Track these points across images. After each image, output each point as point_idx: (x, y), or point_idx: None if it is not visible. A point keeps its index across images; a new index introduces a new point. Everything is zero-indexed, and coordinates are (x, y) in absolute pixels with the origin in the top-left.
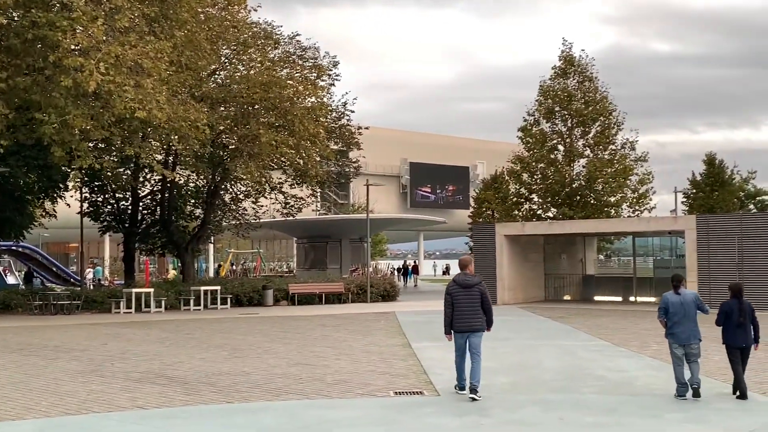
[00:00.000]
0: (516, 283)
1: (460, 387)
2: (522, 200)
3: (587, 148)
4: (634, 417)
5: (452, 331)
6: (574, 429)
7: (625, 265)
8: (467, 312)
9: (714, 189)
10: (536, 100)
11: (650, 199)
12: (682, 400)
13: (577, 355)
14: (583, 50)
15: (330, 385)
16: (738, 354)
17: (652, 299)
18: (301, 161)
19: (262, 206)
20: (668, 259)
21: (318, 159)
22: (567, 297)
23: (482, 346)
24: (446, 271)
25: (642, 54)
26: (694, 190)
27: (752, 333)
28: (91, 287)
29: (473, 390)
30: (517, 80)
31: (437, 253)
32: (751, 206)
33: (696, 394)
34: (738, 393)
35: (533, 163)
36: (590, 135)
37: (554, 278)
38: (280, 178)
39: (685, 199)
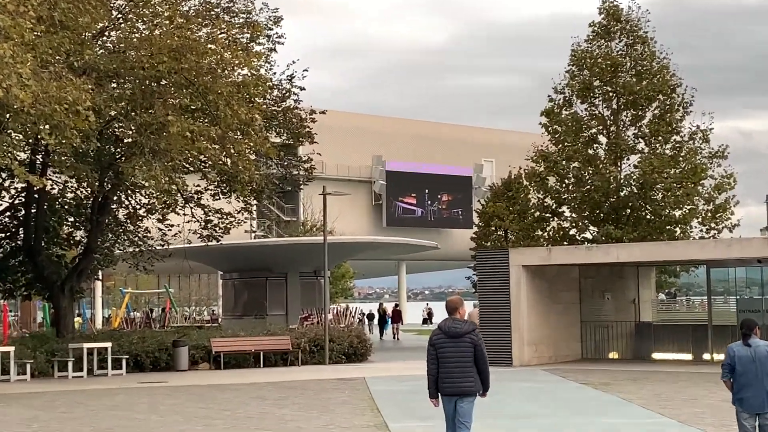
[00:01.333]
0: (540, 335)
1: None
2: (548, 215)
3: (640, 139)
4: None
5: (438, 395)
6: None
7: (697, 307)
8: (455, 370)
9: None
10: (567, 72)
11: (732, 213)
12: None
13: None
14: (632, 1)
15: None
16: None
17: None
18: (229, 161)
19: (172, 226)
20: (758, 299)
21: (253, 157)
22: (613, 354)
23: (475, 416)
24: (428, 319)
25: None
26: None
27: None
28: None
29: None
30: (537, 43)
31: (427, 293)
32: None
33: None
34: None
35: (564, 162)
36: (644, 121)
37: (595, 327)
38: (199, 186)
39: None
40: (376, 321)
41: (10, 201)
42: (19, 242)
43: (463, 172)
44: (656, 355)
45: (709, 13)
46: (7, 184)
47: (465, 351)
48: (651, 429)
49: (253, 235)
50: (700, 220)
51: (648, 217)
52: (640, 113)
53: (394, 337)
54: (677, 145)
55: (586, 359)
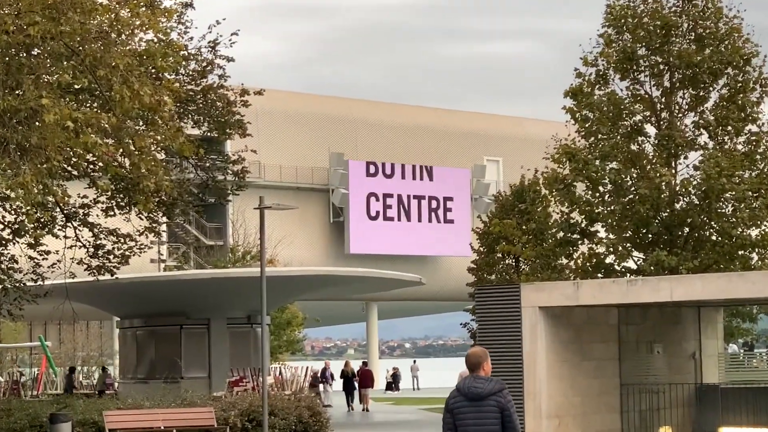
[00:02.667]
0: (564, 404)
1: None
2: (575, 237)
3: (703, 131)
4: None
5: None
6: None
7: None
8: None
9: None
10: (600, 36)
11: None
12: None
13: None
14: None
15: None
16: None
17: None
18: (128, 161)
19: (48, 253)
20: None
21: (161, 157)
22: (666, 430)
23: None
24: (393, 383)
25: None
26: None
27: None
28: None
29: None
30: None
31: (408, 346)
32: None
33: None
34: None
35: (597, 162)
36: (708, 105)
37: (640, 393)
38: (86, 197)
39: None
40: (336, 386)
41: None
42: None
43: (459, 177)
44: (725, 430)
45: None
46: None
47: (489, 416)
48: None
49: (162, 265)
50: None
51: (714, 238)
52: (702, 94)
53: (364, 408)
54: (753, 138)
55: None
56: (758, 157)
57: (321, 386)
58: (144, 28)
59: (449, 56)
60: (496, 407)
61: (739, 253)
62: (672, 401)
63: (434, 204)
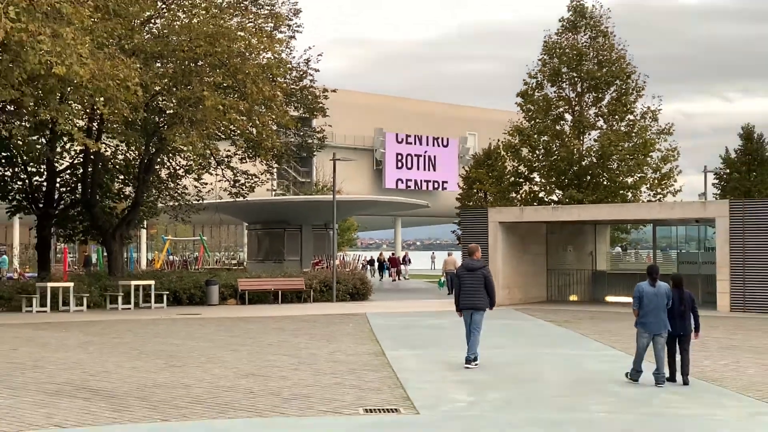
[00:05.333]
0: (513, 281)
1: (469, 361)
2: (521, 180)
3: (600, 117)
4: None
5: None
6: None
7: (644, 259)
8: (471, 292)
9: (752, 169)
10: (539, 60)
11: (675, 181)
12: (632, 380)
13: (585, 367)
14: (597, 1)
15: (287, 401)
16: (674, 341)
17: None
18: (254, 130)
19: (206, 184)
20: (695, 253)
21: (275, 128)
22: (573, 297)
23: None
24: (377, 263)
25: (666, 6)
26: (728, 171)
27: (693, 321)
28: None
29: (468, 360)
30: (516, 37)
31: (418, 243)
32: None
33: (661, 380)
34: (682, 375)
35: (535, 136)
36: (604, 102)
37: (559, 275)
38: (229, 151)
39: (716, 182)
40: (376, 267)
41: (71, 161)
42: (77, 196)
43: (452, 143)
44: (609, 298)
45: (662, 11)
46: (68, 146)
47: (478, 280)
48: (603, 359)
49: (273, 193)
50: (648, 186)
51: (605, 183)
52: (600, 96)
53: (393, 280)
54: (631, 123)
55: (551, 301)
56: (633, 134)
57: (368, 267)
58: (265, 50)
59: (443, 72)
60: (482, 275)
61: (620, 192)
62: (577, 280)
63: (436, 159)
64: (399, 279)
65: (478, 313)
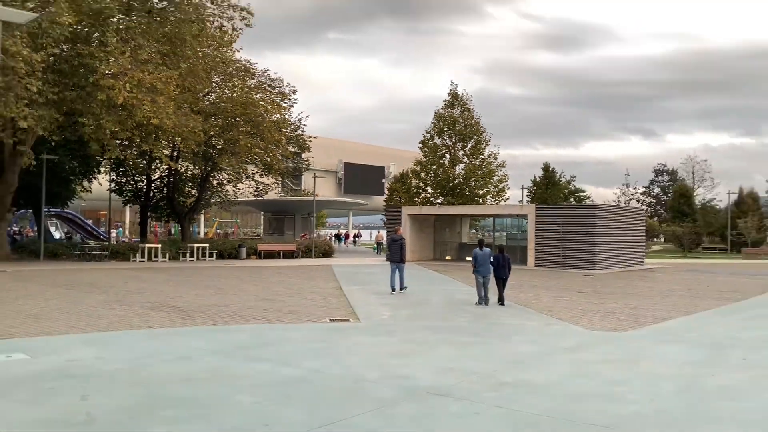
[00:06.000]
0: (415, 247)
1: (392, 290)
2: (420, 191)
3: (465, 156)
4: (493, 338)
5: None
6: (451, 345)
7: (489, 236)
8: (396, 253)
9: (548, 187)
10: (432, 123)
11: (506, 193)
12: (483, 306)
13: (454, 297)
14: (464, 90)
15: (285, 314)
16: (501, 282)
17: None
18: (268, 159)
19: (239, 189)
20: (515, 233)
21: (280, 157)
22: (448, 257)
23: (404, 281)
24: (338, 237)
25: (501, 94)
26: (535, 188)
27: (508, 270)
28: (115, 242)
29: (402, 288)
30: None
31: (361, 225)
32: (572, 200)
33: (487, 302)
34: (499, 302)
35: (429, 166)
36: (467, 148)
37: (440, 244)
38: (253, 170)
39: (528, 194)
40: (336, 239)
41: (161, 174)
42: (164, 194)
43: (381, 168)
44: (468, 258)
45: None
46: (159, 166)
47: (399, 246)
48: (464, 292)
49: (279, 195)
50: (491, 195)
51: (467, 193)
52: (465, 144)
53: (345, 246)
54: (482, 160)
55: (435, 259)
56: (483, 166)
57: (334, 239)
58: (276, 113)
59: (378, 127)
60: (400, 244)
61: (476, 199)
62: (451, 248)
63: (374, 178)
64: (348, 246)
65: (399, 265)
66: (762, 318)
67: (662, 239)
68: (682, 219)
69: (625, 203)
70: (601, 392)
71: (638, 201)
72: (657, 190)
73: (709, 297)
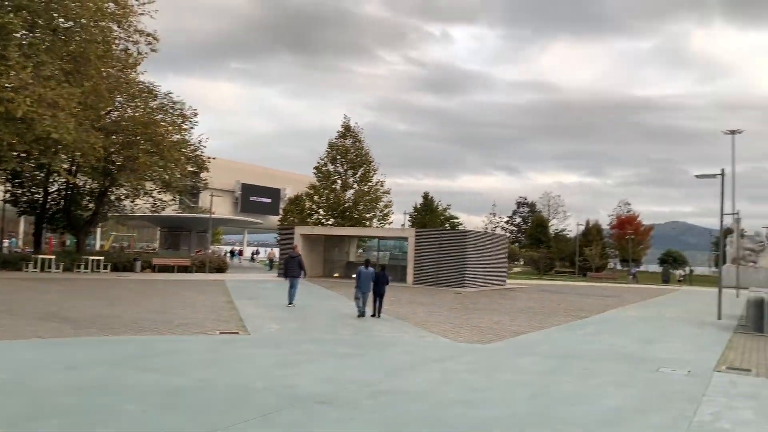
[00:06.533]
0: (307, 264)
1: (289, 303)
2: (313, 212)
3: (355, 183)
4: (372, 349)
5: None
6: (334, 357)
7: (373, 255)
8: (292, 268)
9: (427, 214)
10: (326, 151)
11: (390, 217)
12: (362, 318)
13: (339, 311)
14: (356, 122)
15: (176, 326)
16: (379, 297)
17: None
18: (167, 176)
19: (137, 205)
20: (398, 254)
21: (179, 176)
22: (336, 275)
23: (297, 295)
24: (232, 254)
25: (390, 129)
26: (416, 213)
27: (385, 286)
28: (8, 252)
29: (290, 304)
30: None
31: (255, 244)
32: (447, 225)
33: (364, 315)
34: (374, 314)
35: (322, 190)
36: (357, 175)
37: (329, 262)
38: (152, 187)
39: (410, 219)
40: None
41: (59, 187)
42: (61, 206)
43: (277, 190)
44: (353, 275)
45: (388, 131)
46: (57, 179)
47: (296, 262)
48: (348, 307)
49: (176, 211)
50: (377, 219)
51: (356, 216)
52: (355, 172)
53: (240, 262)
54: (370, 186)
55: (325, 276)
56: (371, 192)
57: (229, 255)
58: (177, 133)
59: (276, 151)
60: (298, 260)
61: (363, 222)
62: (339, 265)
63: (270, 198)
64: (242, 262)
65: (296, 280)
66: (601, 333)
67: (522, 262)
68: (538, 245)
69: (491, 230)
70: (465, 399)
71: (503, 228)
72: (518, 219)
73: (559, 314)
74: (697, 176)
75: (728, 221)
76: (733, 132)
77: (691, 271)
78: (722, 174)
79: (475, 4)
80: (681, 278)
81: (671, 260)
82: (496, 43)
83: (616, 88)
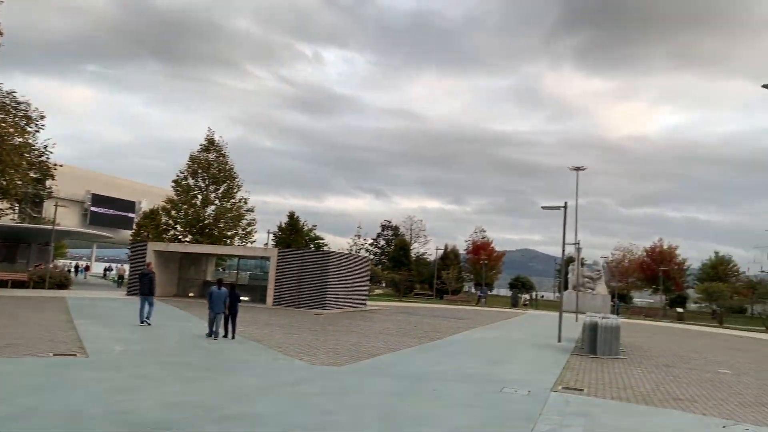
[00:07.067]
0: (158, 283)
1: (141, 321)
2: (169, 228)
3: (217, 199)
4: (222, 373)
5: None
6: (180, 380)
7: (234, 275)
8: (145, 286)
9: (291, 233)
10: (187, 164)
11: (253, 236)
12: (212, 339)
13: (191, 332)
14: (221, 136)
15: (2, 348)
16: (232, 317)
17: (247, 298)
18: (5, 182)
19: None
20: (259, 274)
21: (19, 183)
22: (191, 294)
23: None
24: (76, 270)
25: (258, 146)
26: (280, 233)
27: (237, 306)
28: None
29: (142, 322)
30: (176, 148)
31: (105, 259)
32: (312, 246)
33: (217, 336)
34: (214, 336)
35: (180, 205)
36: (220, 191)
37: (185, 281)
38: None
39: (274, 238)
40: (76, 270)
41: None
42: None
43: (132, 203)
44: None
45: (254, 148)
46: None
47: (149, 279)
48: (199, 327)
49: (15, 221)
50: (239, 237)
51: (216, 234)
52: (218, 187)
53: (85, 278)
54: (233, 203)
55: (178, 295)
56: (234, 209)
57: (73, 270)
58: (19, 136)
59: (133, 161)
60: (150, 277)
61: (224, 240)
62: (196, 285)
63: (123, 211)
64: (88, 278)
65: (150, 298)
66: (452, 354)
67: (384, 284)
68: (400, 268)
69: (356, 252)
70: (312, 422)
71: (367, 250)
72: (383, 242)
73: (415, 336)
74: (543, 207)
75: (570, 250)
76: (577, 168)
77: (536, 295)
78: (565, 206)
79: (347, 28)
80: (526, 302)
81: (520, 285)
82: (367, 69)
83: (476, 122)
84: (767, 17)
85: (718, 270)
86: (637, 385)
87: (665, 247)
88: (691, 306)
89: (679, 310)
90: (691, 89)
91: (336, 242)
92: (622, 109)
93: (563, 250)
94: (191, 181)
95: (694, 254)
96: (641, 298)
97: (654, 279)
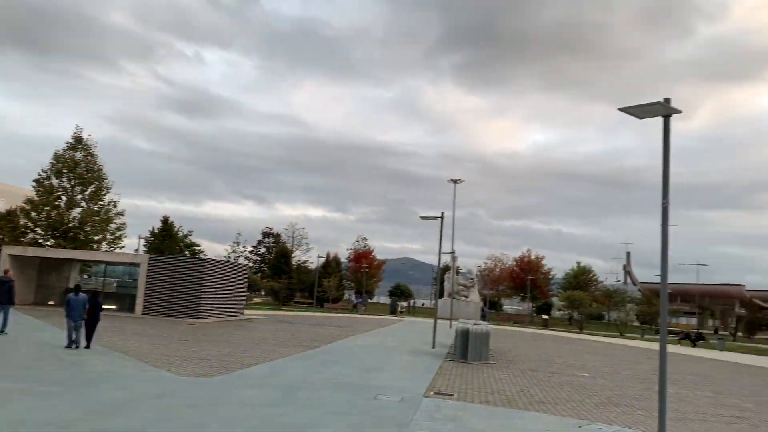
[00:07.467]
0: (19, 291)
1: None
2: (29, 231)
3: (84, 201)
4: (81, 386)
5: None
6: (32, 396)
7: (101, 283)
8: (4, 294)
9: (165, 239)
10: (51, 162)
11: (123, 241)
12: (71, 350)
13: (47, 344)
14: (89, 134)
15: None
16: (91, 326)
17: (113, 306)
18: None
19: None
20: (128, 281)
21: None
22: (51, 302)
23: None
24: None
25: (131, 146)
26: (153, 238)
27: (98, 315)
28: None
29: (3, 332)
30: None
31: None
32: (187, 252)
33: (78, 347)
34: (75, 346)
35: (41, 206)
36: (87, 192)
37: (44, 288)
38: None
39: (146, 244)
40: None
41: None
42: None
43: None
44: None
45: (129, 149)
46: None
47: (8, 287)
48: (57, 337)
49: None
50: (107, 242)
51: (82, 238)
52: (85, 188)
53: None
54: (102, 206)
55: (38, 304)
56: (102, 213)
57: None
58: None
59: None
60: (9, 284)
61: (90, 245)
62: (57, 292)
63: None
64: None
65: (7, 307)
66: (328, 363)
67: (263, 293)
68: (281, 276)
69: (234, 259)
70: None
71: (246, 258)
72: (263, 249)
73: (292, 345)
74: (422, 217)
75: (447, 259)
76: (455, 181)
77: (414, 303)
78: (442, 217)
79: (231, 30)
80: (402, 309)
81: (399, 293)
82: (251, 73)
83: (360, 131)
84: (627, 49)
85: (580, 279)
86: (503, 389)
87: (533, 257)
88: (556, 313)
89: (545, 317)
90: (558, 110)
91: (213, 249)
92: (497, 125)
93: (439, 259)
94: (55, 181)
95: (558, 264)
96: (510, 305)
97: (522, 287)
